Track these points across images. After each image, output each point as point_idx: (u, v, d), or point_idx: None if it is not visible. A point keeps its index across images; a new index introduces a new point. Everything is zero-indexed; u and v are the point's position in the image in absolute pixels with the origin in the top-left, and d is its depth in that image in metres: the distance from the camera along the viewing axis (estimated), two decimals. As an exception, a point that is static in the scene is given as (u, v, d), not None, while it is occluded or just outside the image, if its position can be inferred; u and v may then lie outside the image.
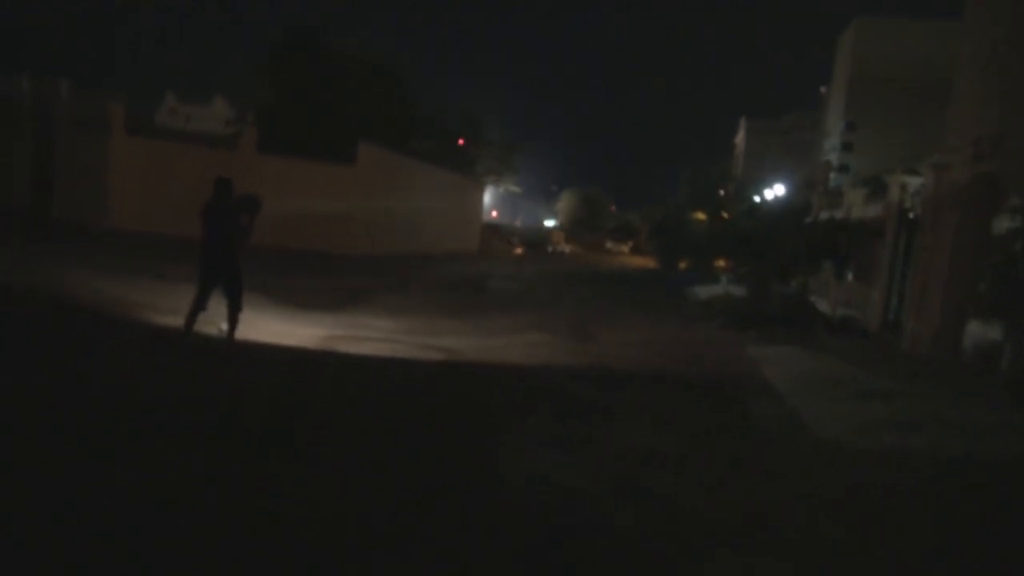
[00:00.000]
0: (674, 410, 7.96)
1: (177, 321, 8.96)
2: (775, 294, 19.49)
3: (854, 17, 67.48)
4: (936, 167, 13.87)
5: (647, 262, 47.84)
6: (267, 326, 10.54)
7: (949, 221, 12.84)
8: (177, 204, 19.34)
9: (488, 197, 51.10)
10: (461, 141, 40.42)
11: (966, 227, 12.37)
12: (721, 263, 35.93)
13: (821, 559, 4.36)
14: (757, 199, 43.71)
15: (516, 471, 5.31)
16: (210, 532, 3.85)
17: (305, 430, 5.85)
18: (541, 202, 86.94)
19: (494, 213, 70.57)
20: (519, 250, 49.70)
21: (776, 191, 44.69)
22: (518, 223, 69.90)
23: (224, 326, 8.56)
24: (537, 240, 59.77)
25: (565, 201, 80.00)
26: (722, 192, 46.04)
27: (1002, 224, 11.53)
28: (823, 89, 78.67)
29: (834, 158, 64.28)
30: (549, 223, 79.92)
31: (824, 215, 26.29)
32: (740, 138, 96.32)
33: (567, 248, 60.23)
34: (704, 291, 23.39)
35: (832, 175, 56.21)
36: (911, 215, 15.49)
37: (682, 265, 39.07)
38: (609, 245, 70.24)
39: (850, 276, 20.07)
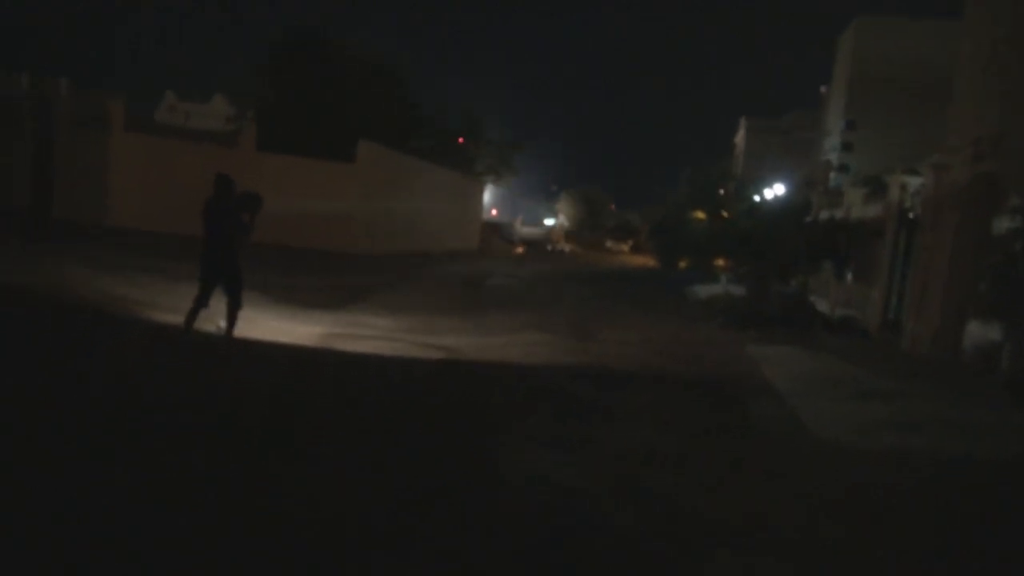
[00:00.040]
0: (674, 410, 7.96)
1: (178, 319, 8.96)
2: (775, 294, 19.48)
3: (854, 17, 67.48)
4: (936, 167, 13.87)
5: (647, 261, 47.84)
6: (266, 324, 10.55)
7: (949, 221, 12.84)
8: (177, 202, 19.36)
9: (488, 195, 51.08)
10: (461, 140, 40.42)
11: (966, 227, 12.37)
12: (720, 262, 35.94)
13: (821, 559, 4.36)
14: (757, 198, 43.72)
15: (516, 471, 5.30)
16: (210, 532, 3.85)
17: (305, 430, 5.84)
18: (541, 201, 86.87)
19: (494, 211, 70.54)
20: (520, 249, 49.69)
21: (776, 190, 44.68)
22: (518, 223, 69.80)
23: (223, 323, 8.57)
24: (540, 238, 59.87)
25: (564, 201, 79.95)
26: (722, 191, 46.07)
27: (1002, 224, 11.53)
28: (823, 89, 78.68)
29: (834, 158, 64.28)
30: (549, 222, 79.89)
31: (824, 215, 26.27)
32: (740, 137, 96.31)
33: (567, 247, 60.23)
34: (704, 290, 23.39)
35: (832, 175, 56.19)
36: (911, 215, 15.49)
37: (682, 264, 39.08)
38: (609, 244, 70.22)
39: (850, 276, 20.06)
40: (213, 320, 8.74)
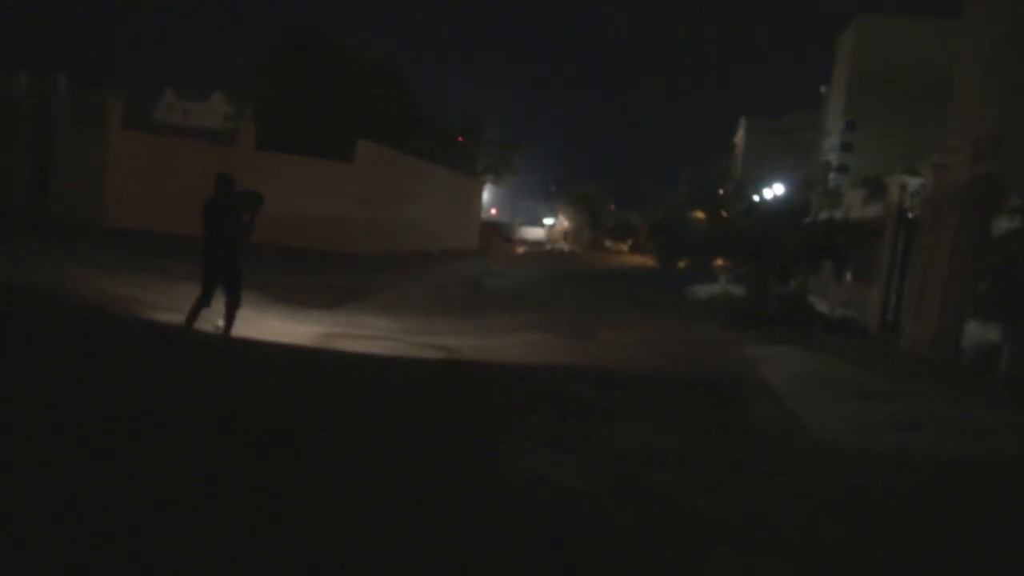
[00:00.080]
0: (674, 410, 7.97)
1: (177, 319, 8.96)
2: (774, 294, 19.51)
3: (854, 17, 67.46)
4: (936, 167, 13.87)
5: (646, 261, 47.88)
6: (266, 324, 10.54)
7: (949, 221, 12.84)
8: (175, 201, 19.40)
9: (487, 195, 51.07)
10: (460, 139, 40.43)
11: (966, 227, 12.37)
12: (720, 263, 35.96)
13: (821, 559, 4.37)
14: (756, 199, 43.73)
15: (516, 471, 5.31)
16: (210, 532, 3.85)
17: (305, 430, 5.84)
18: (540, 201, 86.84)
19: (493, 211, 70.50)
20: (519, 249, 49.73)
21: (775, 191, 44.67)
22: (517, 224, 69.82)
23: (220, 323, 8.55)
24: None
25: (564, 203, 79.85)
26: (721, 191, 46.08)
27: (1001, 225, 11.53)
28: (823, 89, 78.65)
29: (833, 158, 64.27)
30: (548, 222, 79.89)
31: (823, 215, 26.28)
32: (740, 137, 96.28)
33: (566, 247, 60.26)
34: (703, 290, 23.41)
35: (831, 175, 56.20)
36: (910, 215, 15.50)
37: (681, 264, 39.09)
38: (608, 244, 70.28)
39: (849, 276, 20.07)
40: (211, 320, 8.74)
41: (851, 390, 9.21)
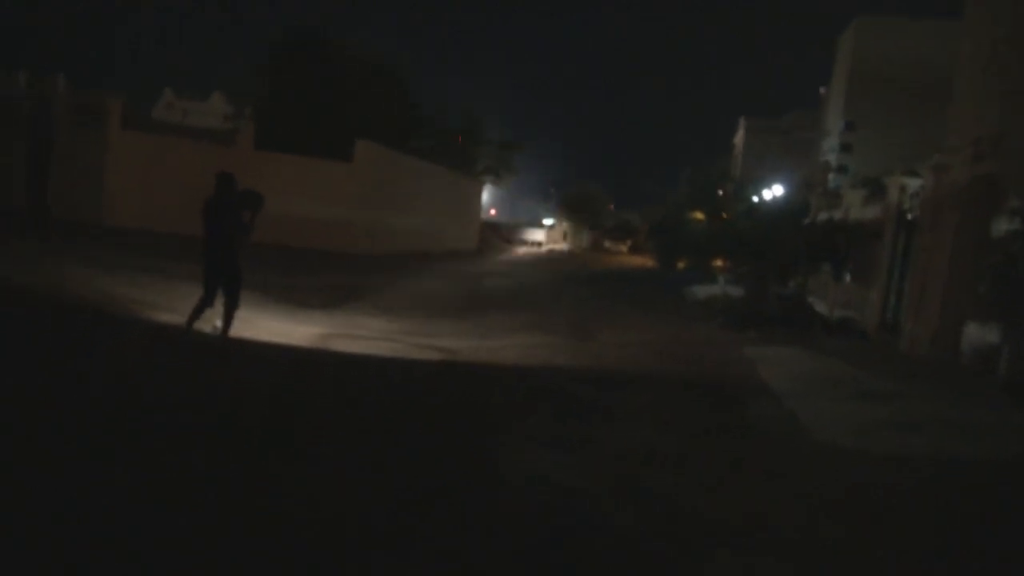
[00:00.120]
0: (674, 410, 7.97)
1: (177, 319, 8.97)
2: (773, 295, 19.50)
3: (854, 17, 67.44)
4: (935, 168, 13.87)
5: (645, 262, 47.86)
6: (265, 324, 10.54)
7: (948, 222, 12.84)
8: (174, 200, 19.42)
9: (486, 196, 51.07)
10: (459, 139, 40.44)
11: (965, 228, 12.37)
12: (719, 263, 35.96)
13: (821, 559, 4.37)
14: (756, 199, 43.72)
15: (516, 471, 5.31)
16: (210, 532, 3.85)
17: (305, 430, 5.84)
18: (540, 201, 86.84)
19: (493, 212, 70.46)
20: (520, 250, 49.74)
21: (775, 191, 44.66)
22: (517, 226, 69.76)
23: (218, 323, 8.53)
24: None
25: (564, 203, 79.78)
26: (721, 192, 46.07)
27: (1001, 226, 11.53)
28: (822, 90, 78.64)
29: (833, 159, 64.28)
30: (548, 222, 79.85)
31: (823, 216, 26.26)
32: (739, 137, 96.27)
33: (565, 247, 60.27)
34: (702, 291, 23.41)
35: (831, 176, 56.21)
36: (909, 217, 15.49)
37: (680, 265, 39.08)
38: (607, 244, 70.25)
39: (848, 277, 20.06)
40: (211, 320, 8.73)
41: (851, 390, 9.21)
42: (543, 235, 70.00)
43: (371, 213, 24.79)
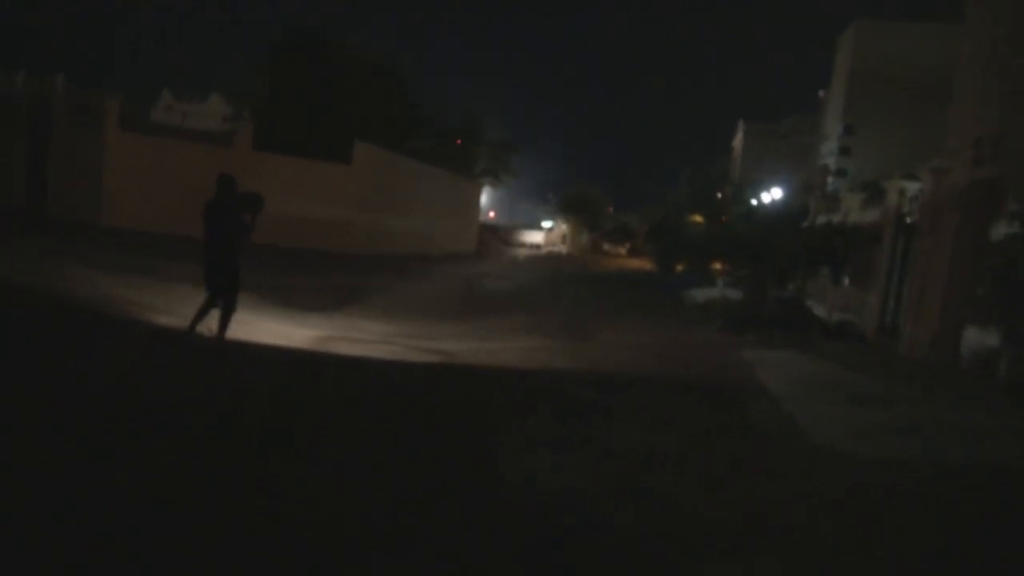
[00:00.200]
0: (673, 411, 7.97)
1: (176, 321, 8.97)
2: (772, 298, 19.55)
3: (854, 18, 67.55)
4: (935, 171, 13.89)
5: (644, 264, 47.88)
6: (263, 326, 10.55)
7: (948, 225, 12.86)
8: (172, 201, 19.43)
9: (485, 198, 51.08)
10: (459, 141, 40.46)
11: (965, 231, 12.39)
12: (718, 266, 35.99)
13: (821, 559, 4.37)
14: (754, 202, 43.76)
15: (516, 471, 5.31)
16: (210, 532, 3.84)
17: (305, 430, 5.84)
18: (539, 203, 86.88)
19: (492, 214, 70.49)
20: (520, 252, 49.74)
21: (773, 195, 44.71)
22: (515, 228, 69.75)
23: (214, 326, 8.49)
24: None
25: (563, 205, 79.78)
26: (719, 195, 46.12)
27: (1000, 229, 11.54)
28: (821, 93, 78.74)
29: (832, 162, 64.37)
30: (547, 224, 79.85)
31: (821, 219, 26.31)
32: (738, 141, 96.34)
33: (564, 250, 60.30)
34: (701, 294, 23.45)
35: (830, 179, 56.29)
36: (908, 220, 15.52)
37: (679, 268, 39.11)
38: (607, 247, 70.28)
39: (847, 281, 20.10)
40: (206, 323, 8.70)
41: (849, 393, 9.21)
42: (542, 237, 69.95)
43: (370, 215, 24.79)
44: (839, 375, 10.60)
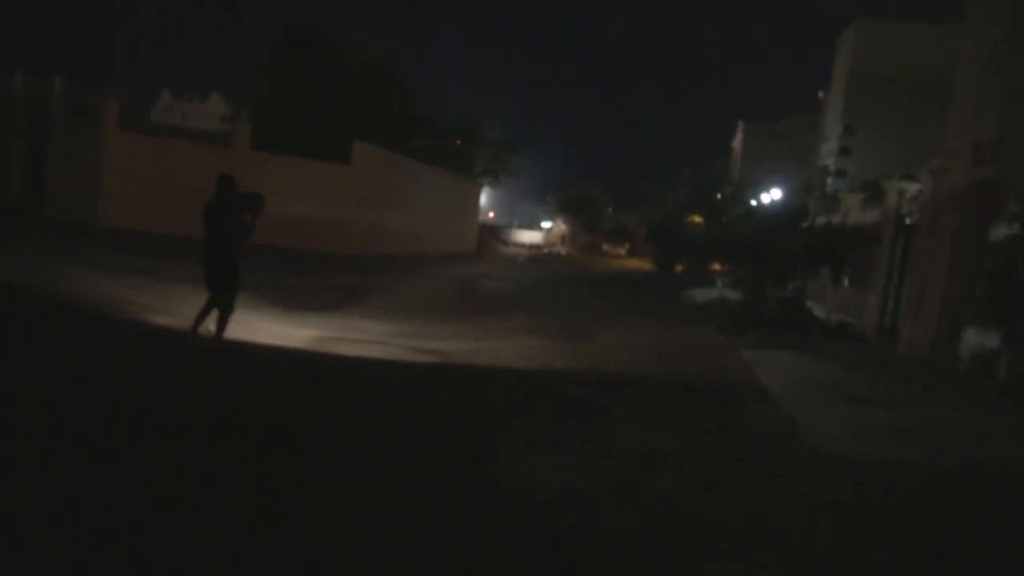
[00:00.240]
0: (673, 411, 7.97)
1: (175, 322, 8.98)
2: (771, 298, 19.55)
3: (854, 19, 67.62)
4: (935, 172, 13.89)
5: (643, 265, 47.89)
6: (262, 327, 10.55)
7: (948, 226, 12.86)
8: (170, 201, 19.43)
9: (485, 198, 51.07)
10: (458, 141, 40.46)
11: (965, 232, 12.39)
12: (717, 267, 36.02)
13: (821, 559, 4.37)
14: (754, 203, 43.80)
15: (516, 471, 5.31)
16: (210, 532, 3.84)
17: (305, 430, 5.84)
18: (538, 204, 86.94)
19: (491, 214, 70.47)
20: (519, 252, 49.74)
21: (773, 195, 44.75)
22: (514, 228, 69.70)
23: (211, 327, 8.49)
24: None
25: (562, 205, 79.86)
26: (719, 195, 46.16)
27: (1000, 230, 11.55)
28: (821, 94, 78.81)
29: (831, 162, 64.42)
30: (546, 224, 79.90)
31: (821, 220, 26.31)
32: (738, 141, 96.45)
33: (563, 250, 60.33)
34: (700, 294, 23.45)
35: (829, 180, 56.32)
36: (908, 221, 15.52)
37: (678, 268, 39.14)
38: (606, 247, 70.31)
39: (846, 281, 20.10)
40: (206, 323, 8.71)
41: (849, 394, 9.21)
42: (541, 237, 69.90)
43: (369, 215, 24.78)
44: (839, 375, 10.60)
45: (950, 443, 7.15)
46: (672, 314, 18.66)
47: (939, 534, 4.95)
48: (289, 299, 13.62)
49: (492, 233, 56.29)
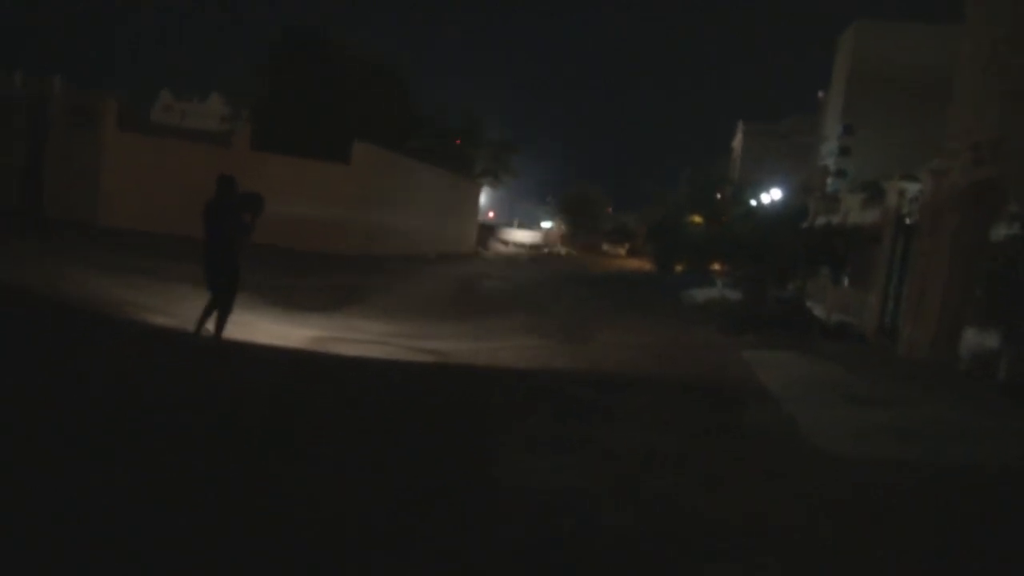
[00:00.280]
0: (673, 411, 7.97)
1: (174, 322, 8.98)
2: (771, 298, 19.55)
3: (854, 18, 67.63)
4: (935, 173, 13.88)
5: (643, 265, 47.87)
6: (262, 327, 10.54)
7: (948, 226, 12.85)
8: (169, 201, 19.44)
9: (485, 198, 51.07)
10: (458, 141, 40.45)
11: (965, 232, 12.39)
12: (717, 267, 36.02)
13: (821, 559, 4.37)
14: (754, 203, 43.81)
15: (516, 471, 5.31)
16: (210, 532, 3.84)
17: (305, 430, 5.84)
18: (538, 204, 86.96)
19: (491, 214, 70.47)
20: (519, 253, 49.71)
21: (773, 195, 44.75)
22: (511, 227, 69.63)
23: (210, 327, 8.48)
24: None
25: (562, 205, 79.87)
26: (719, 195, 46.17)
27: (1000, 230, 11.55)
28: (821, 94, 78.82)
29: (831, 162, 64.43)
30: (546, 224, 79.88)
31: (821, 220, 26.33)
32: (737, 141, 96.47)
33: (563, 250, 60.31)
34: (700, 294, 23.43)
35: (829, 180, 56.34)
36: (908, 221, 15.52)
37: (678, 268, 39.13)
38: (606, 247, 70.28)
39: (846, 281, 20.10)
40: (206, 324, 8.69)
41: (849, 394, 9.21)
42: (541, 237, 69.85)
43: (368, 215, 24.78)
44: (839, 375, 10.60)
45: (950, 443, 7.15)
46: (672, 314, 18.65)
47: (939, 534, 4.95)
48: (289, 299, 13.61)
49: (492, 233, 56.28)
